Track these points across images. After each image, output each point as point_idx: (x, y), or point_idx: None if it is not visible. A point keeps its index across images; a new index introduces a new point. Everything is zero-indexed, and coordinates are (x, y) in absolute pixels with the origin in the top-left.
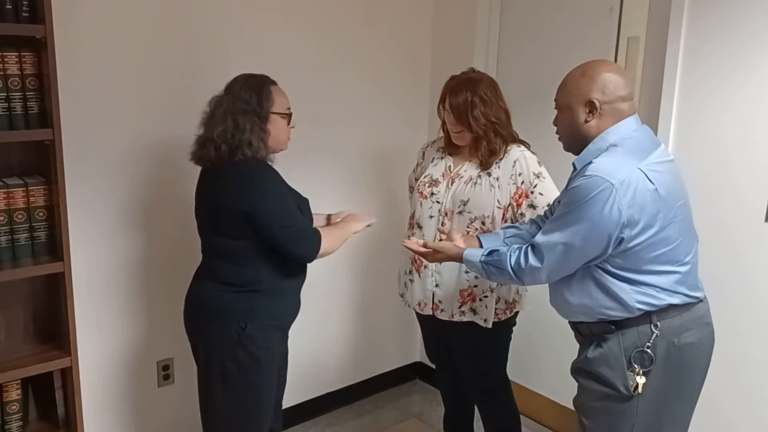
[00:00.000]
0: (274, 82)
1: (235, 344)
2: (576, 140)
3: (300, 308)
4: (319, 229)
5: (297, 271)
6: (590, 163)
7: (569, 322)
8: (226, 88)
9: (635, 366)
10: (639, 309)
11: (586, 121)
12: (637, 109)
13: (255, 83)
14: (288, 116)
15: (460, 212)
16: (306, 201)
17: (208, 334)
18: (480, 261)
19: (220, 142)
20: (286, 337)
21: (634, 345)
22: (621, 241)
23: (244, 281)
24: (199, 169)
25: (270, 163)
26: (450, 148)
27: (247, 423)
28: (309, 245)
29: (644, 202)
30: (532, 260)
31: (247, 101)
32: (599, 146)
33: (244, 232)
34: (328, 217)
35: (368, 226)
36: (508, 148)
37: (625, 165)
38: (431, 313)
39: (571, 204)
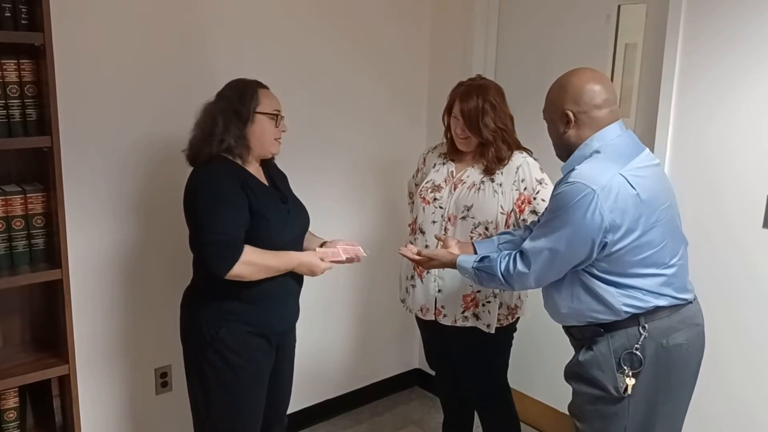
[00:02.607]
0: (263, 86)
1: (210, 349)
2: (563, 150)
3: (294, 315)
4: (249, 250)
5: (272, 277)
6: (573, 169)
7: (563, 327)
8: (217, 93)
9: (624, 367)
10: (626, 312)
11: (564, 132)
12: (620, 115)
13: (241, 85)
14: (275, 117)
15: (463, 217)
16: (282, 211)
17: (186, 338)
18: (472, 267)
19: (195, 141)
20: (275, 345)
21: (623, 347)
22: (605, 245)
23: (217, 283)
24: None
25: (240, 164)
26: (453, 153)
27: (222, 426)
28: (217, 259)
29: (626, 206)
30: (520, 266)
31: (229, 101)
32: (583, 153)
33: None
34: (322, 244)
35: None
36: (512, 154)
37: (606, 171)
38: (433, 319)
39: (555, 210)
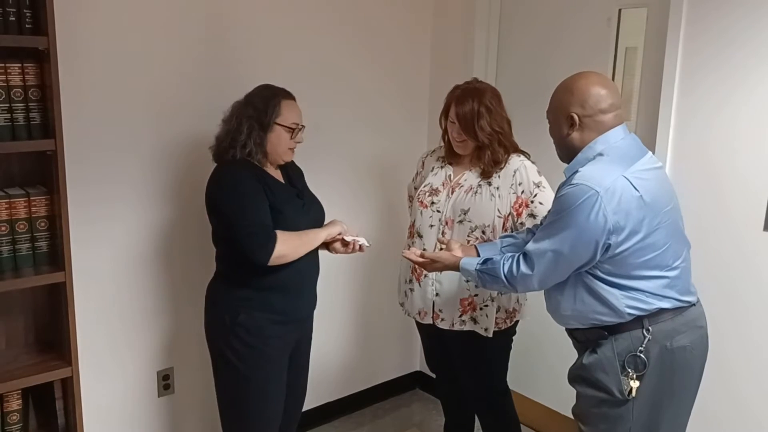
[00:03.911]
0: (289, 96)
1: (230, 334)
2: (564, 151)
3: (310, 304)
4: (280, 232)
5: (287, 265)
6: (577, 171)
7: (566, 329)
8: (246, 95)
9: (629, 370)
10: (630, 314)
11: (568, 134)
12: (624, 119)
13: (268, 93)
14: (292, 130)
15: (460, 221)
16: (296, 205)
17: (208, 325)
18: (475, 269)
19: (220, 141)
20: (295, 332)
21: (628, 350)
22: (608, 247)
23: (234, 273)
24: (204, 174)
25: (259, 165)
26: (450, 157)
27: (247, 412)
28: (259, 248)
29: (629, 208)
30: (524, 268)
31: (255, 108)
32: (587, 155)
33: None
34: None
35: (356, 245)
36: (509, 157)
37: (610, 173)
38: (431, 322)
39: (559, 212)
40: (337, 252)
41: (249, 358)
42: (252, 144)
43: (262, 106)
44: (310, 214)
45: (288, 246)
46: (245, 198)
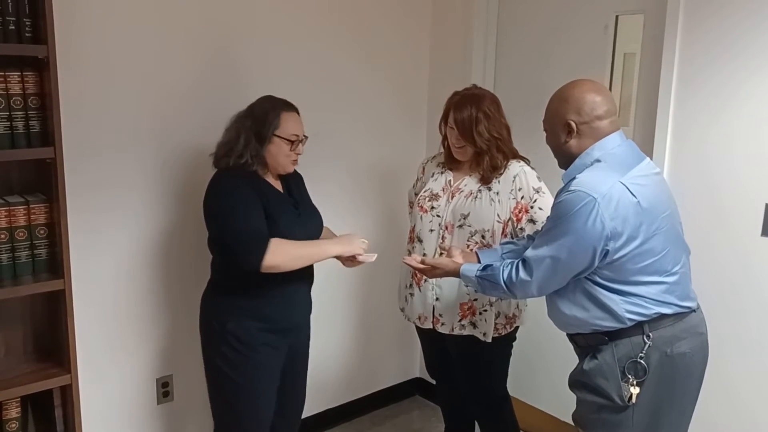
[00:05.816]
0: (290, 108)
1: (220, 341)
2: (563, 158)
3: (303, 311)
4: (277, 241)
5: (278, 274)
6: (574, 178)
7: (567, 335)
8: (249, 106)
9: (629, 376)
10: (630, 319)
11: (566, 142)
12: (620, 125)
13: (268, 105)
14: (291, 142)
15: (460, 226)
16: (292, 215)
17: (201, 332)
18: (475, 276)
19: (220, 149)
20: (288, 338)
21: (628, 355)
22: (606, 253)
23: (226, 281)
24: (203, 182)
25: (257, 174)
26: (450, 163)
27: (240, 419)
28: (247, 254)
29: (627, 214)
30: (522, 274)
31: (255, 119)
32: (584, 161)
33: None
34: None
35: (359, 259)
36: (509, 163)
37: (607, 179)
38: (431, 327)
39: (556, 218)
40: (344, 264)
41: (240, 365)
42: (248, 155)
43: (261, 118)
44: (307, 226)
45: (282, 257)
46: (238, 203)
